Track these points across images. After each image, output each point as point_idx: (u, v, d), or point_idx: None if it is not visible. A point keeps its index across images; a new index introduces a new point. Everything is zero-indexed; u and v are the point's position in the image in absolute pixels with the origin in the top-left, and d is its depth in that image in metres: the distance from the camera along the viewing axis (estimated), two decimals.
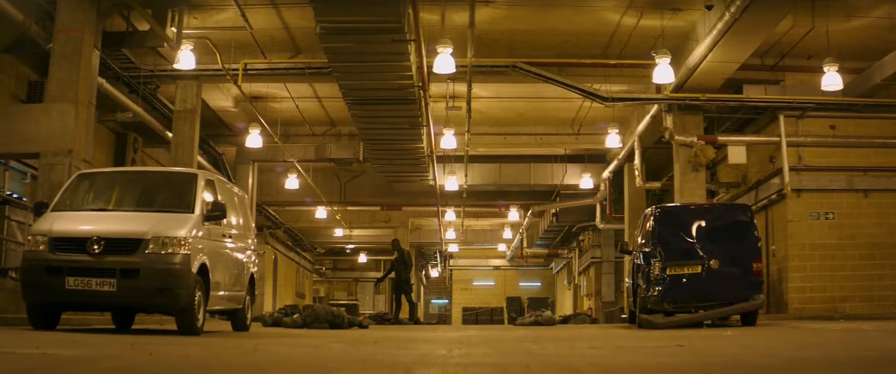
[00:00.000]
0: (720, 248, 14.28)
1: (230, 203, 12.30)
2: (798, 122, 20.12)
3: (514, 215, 36.59)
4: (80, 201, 11.09)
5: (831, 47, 18.02)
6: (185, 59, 18.01)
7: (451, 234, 41.29)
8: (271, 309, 38.33)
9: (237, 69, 19.59)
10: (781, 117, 19.73)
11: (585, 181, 28.71)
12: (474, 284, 52.16)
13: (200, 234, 10.54)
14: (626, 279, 18.23)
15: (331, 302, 36.27)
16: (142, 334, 10.68)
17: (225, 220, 11.36)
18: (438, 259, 50.80)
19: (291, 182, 29.06)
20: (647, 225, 15.01)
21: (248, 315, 12.85)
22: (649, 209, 15.53)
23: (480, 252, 52.76)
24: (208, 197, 11.19)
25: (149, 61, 20.20)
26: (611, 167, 27.22)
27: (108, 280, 9.64)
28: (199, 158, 25.13)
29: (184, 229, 10.15)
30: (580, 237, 37.29)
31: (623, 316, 25.21)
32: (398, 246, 24.85)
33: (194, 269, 10.11)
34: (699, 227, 14.57)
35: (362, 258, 50.59)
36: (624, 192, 27.10)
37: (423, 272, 53.08)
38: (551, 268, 51.27)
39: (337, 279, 54.71)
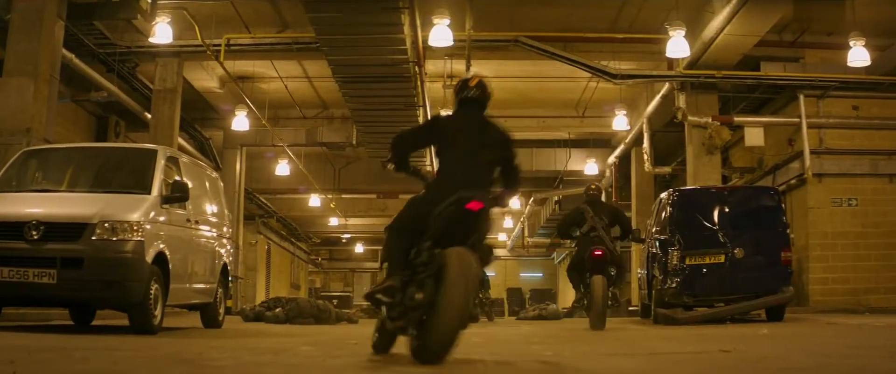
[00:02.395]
0: (745, 235, 12.93)
1: (199, 185, 10.99)
2: (819, 102, 18.92)
3: (514, 202, 35.27)
4: (27, 180, 9.78)
5: (855, 21, 16.78)
6: (162, 32, 16.73)
7: None
8: (265, 299, 37.16)
9: (219, 45, 18.27)
10: (802, 97, 18.52)
11: (590, 167, 27.40)
12: None
13: (159, 218, 9.22)
14: (638, 270, 16.93)
15: (322, 294, 34.99)
16: (92, 332, 9.39)
17: (190, 204, 10.04)
18: None
19: (282, 168, 27.74)
20: (664, 211, 13.66)
21: (221, 310, 11.53)
22: (665, 194, 14.19)
23: None
24: (174, 177, 9.89)
25: (127, 38, 18.91)
26: (617, 152, 25.89)
27: (46, 271, 8.27)
28: (183, 143, 23.88)
29: (137, 211, 8.81)
30: None
31: (631, 308, 23.96)
32: None
33: (149, 258, 8.76)
34: (722, 212, 13.22)
35: (359, 248, 49.30)
36: (631, 178, 25.81)
37: None
38: (553, 258, 49.96)
39: (333, 270, 53.46)
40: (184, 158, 10.76)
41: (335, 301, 26.91)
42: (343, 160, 29.93)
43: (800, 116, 18.42)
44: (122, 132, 23.39)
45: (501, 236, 45.39)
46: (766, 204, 13.42)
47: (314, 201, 32.74)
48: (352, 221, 40.40)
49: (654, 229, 14.15)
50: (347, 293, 28.90)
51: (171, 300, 9.49)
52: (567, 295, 45.08)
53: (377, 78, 18.36)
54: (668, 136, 24.03)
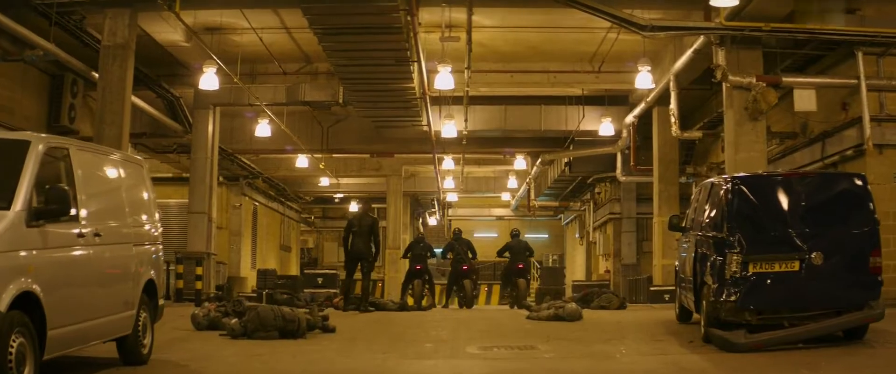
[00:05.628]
0: (824, 235, 10.18)
1: (109, 182, 8.25)
2: (879, 61, 16.12)
3: (520, 162, 32.52)
4: None
5: None
6: None
7: (449, 183, 37.30)
8: (251, 265, 34.58)
9: None
10: (860, 54, 15.67)
11: (605, 127, 24.58)
12: (475, 236, 47.98)
13: (27, 243, 6.48)
14: (677, 261, 14.25)
15: (308, 272, 32.29)
16: None
17: (89, 211, 7.29)
18: (436, 207, 46.93)
19: (262, 129, 24.93)
20: (719, 201, 10.83)
21: (146, 340, 8.80)
22: (720, 179, 11.36)
23: (482, 201, 48.76)
24: (61, 177, 7.14)
25: None
26: (636, 111, 23.07)
27: None
28: (145, 105, 21.22)
29: None
30: (596, 190, 33.19)
31: (653, 288, 21.48)
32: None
33: (4, 304, 6.06)
34: (793, 205, 10.40)
35: (354, 207, 46.57)
36: (652, 140, 23.08)
37: (420, 220, 49.20)
38: (559, 219, 47.28)
39: (327, 229, 50.72)
40: (79, 149, 7.86)
41: (320, 280, 24.33)
42: (331, 119, 27.14)
43: (858, 77, 15.63)
44: (79, 92, 20.69)
45: (505, 196, 42.87)
46: (850, 194, 10.63)
47: (302, 161, 29.99)
48: (344, 180, 37.74)
49: (704, 222, 11.36)
50: (333, 272, 26.17)
51: (53, 351, 6.79)
52: (575, 264, 42.64)
53: (362, 29, 15.73)
54: (690, 93, 21.39)
